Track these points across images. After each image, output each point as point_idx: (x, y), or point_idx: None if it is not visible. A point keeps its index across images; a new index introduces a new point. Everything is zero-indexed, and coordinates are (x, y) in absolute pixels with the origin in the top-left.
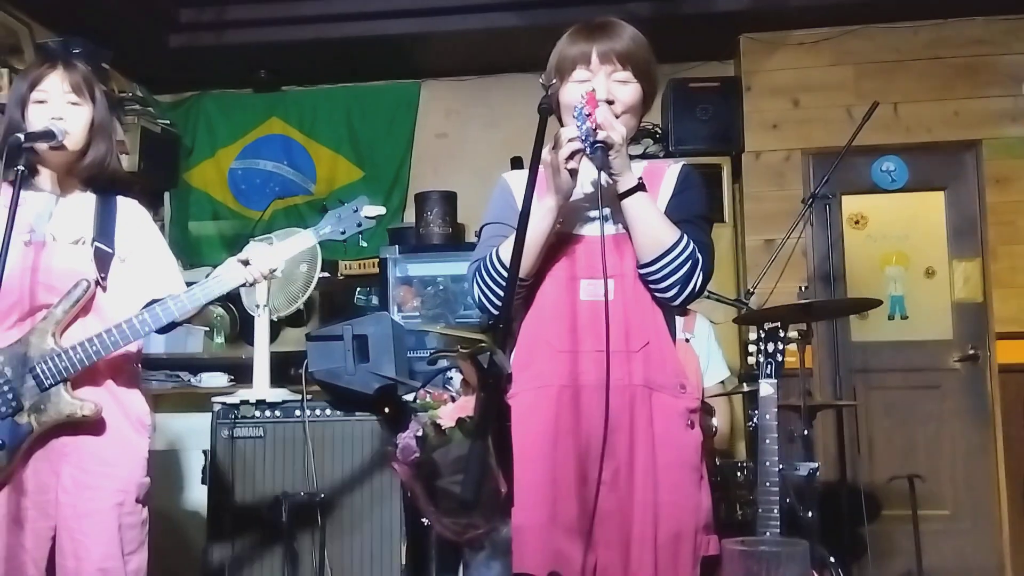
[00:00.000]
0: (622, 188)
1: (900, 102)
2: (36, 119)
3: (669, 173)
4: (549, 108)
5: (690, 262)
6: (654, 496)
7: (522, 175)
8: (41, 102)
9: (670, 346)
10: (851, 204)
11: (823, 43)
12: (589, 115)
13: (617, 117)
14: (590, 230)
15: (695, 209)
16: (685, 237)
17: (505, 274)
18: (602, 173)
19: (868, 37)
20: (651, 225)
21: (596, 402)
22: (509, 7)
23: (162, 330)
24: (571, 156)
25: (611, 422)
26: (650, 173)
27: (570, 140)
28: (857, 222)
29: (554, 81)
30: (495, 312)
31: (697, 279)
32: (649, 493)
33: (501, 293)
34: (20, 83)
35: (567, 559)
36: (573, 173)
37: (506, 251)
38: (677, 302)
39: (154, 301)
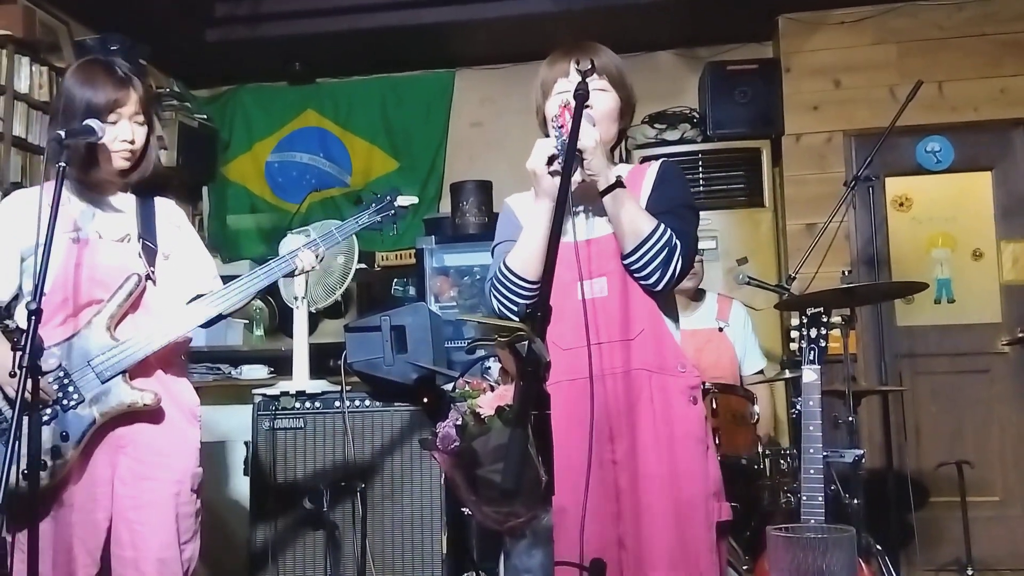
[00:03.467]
0: (602, 186)
1: (945, 80)
2: (108, 136)
3: (649, 171)
4: (585, 94)
5: (667, 249)
6: (661, 468)
7: (523, 197)
8: (114, 123)
9: (665, 331)
10: (895, 186)
11: (864, 22)
12: (562, 126)
13: (593, 125)
14: (579, 235)
15: (676, 200)
16: (662, 226)
17: (515, 279)
18: (579, 176)
19: (911, 14)
20: (628, 218)
21: (599, 390)
22: None
23: (209, 323)
24: (549, 162)
25: (615, 406)
26: (634, 173)
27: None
28: (901, 204)
29: (589, 66)
30: (513, 316)
31: (676, 265)
32: (655, 466)
33: (516, 299)
34: (92, 92)
35: (594, 538)
36: (554, 175)
37: (512, 259)
38: (659, 288)
39: (198, 296)
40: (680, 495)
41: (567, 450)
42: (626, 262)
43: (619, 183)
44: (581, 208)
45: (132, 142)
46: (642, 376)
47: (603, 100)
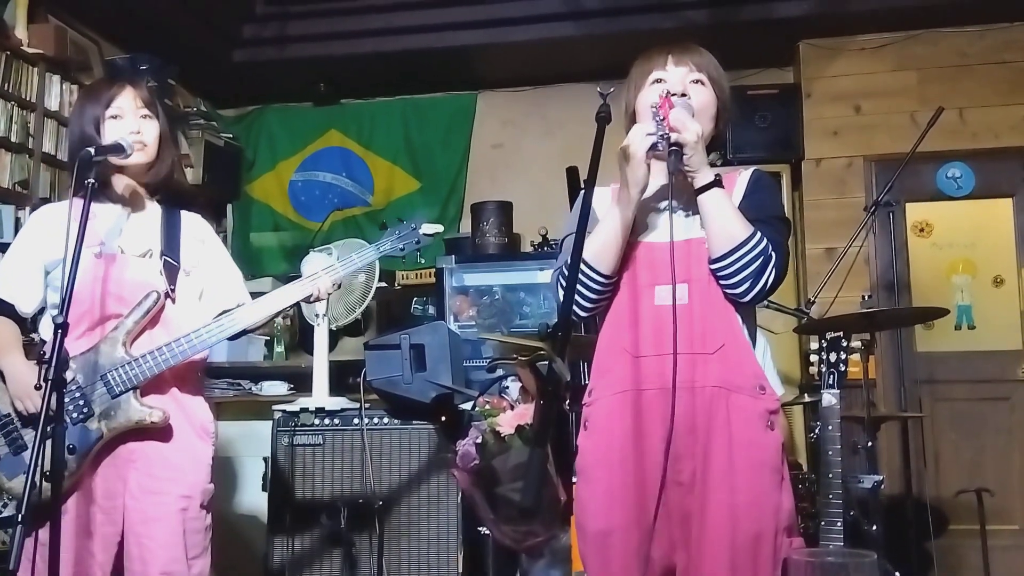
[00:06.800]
0: (699, 184)
1: (966, 107)
2: (113, 134)
3: (740, 178)
4: (607, 116)
5: (762, 258)
6: (731, 497)
7: (603, 189)
8: (116, 117)
9: (747, 347)
10: (915, 212)
11: (885, 48)
12: (663, 119)
13: (692, 115)
14: (660, 237)
15: (769, 209)
16: (759, 233)
17: (588, 272)
18: (673, 176)
19: (932, 41)
20: (725, 219)
21: (670, 405)
22: (566, 17)
23: (231, 338)
24: (650, 148)
25: (688, 423)
26: (724, 180)
27: (648, 134)
28: (922, 230)
29: (611, 89)
30: (584, 314)
31: (769, 276)
32: (725, 494)
33: (585, 291)
34: (91, 102)
35: (649, 560)
36: (657, 159)
37: (586, 247)
38: (747, 298)
39: (224, 312)
40: (748, 527)
41: (623, 465)
42: (714, 266)
43: (718, 182)
44: (667, 206)
45: (138, 132)
46: (719, 395)
47: (701, 93)
